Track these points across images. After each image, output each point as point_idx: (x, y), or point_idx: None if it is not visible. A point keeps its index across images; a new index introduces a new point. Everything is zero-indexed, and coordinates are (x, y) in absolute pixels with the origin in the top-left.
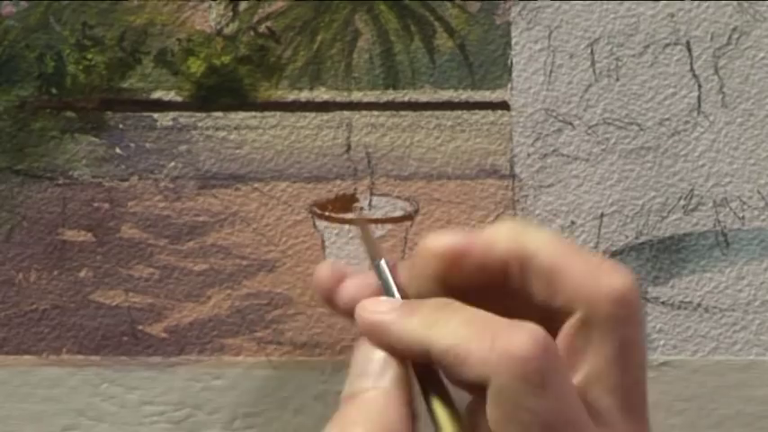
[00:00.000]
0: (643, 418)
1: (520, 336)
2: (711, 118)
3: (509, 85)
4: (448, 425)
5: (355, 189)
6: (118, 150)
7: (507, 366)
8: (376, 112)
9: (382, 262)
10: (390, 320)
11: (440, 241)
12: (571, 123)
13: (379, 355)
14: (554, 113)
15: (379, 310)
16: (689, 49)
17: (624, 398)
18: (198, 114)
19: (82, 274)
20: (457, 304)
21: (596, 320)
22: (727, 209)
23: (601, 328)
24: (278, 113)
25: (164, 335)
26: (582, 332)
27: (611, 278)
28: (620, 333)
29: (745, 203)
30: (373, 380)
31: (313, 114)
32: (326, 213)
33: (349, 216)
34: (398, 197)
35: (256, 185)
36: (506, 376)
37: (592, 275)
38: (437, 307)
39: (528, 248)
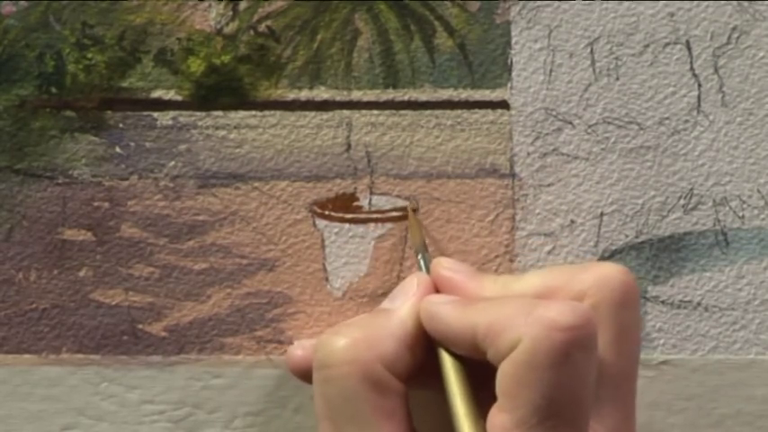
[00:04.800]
0: (631, 411)
1: (560, 306)
2: (711, 117)
3: (509, 85)
4: (467, 424)
5: (355, 188)
6: (118, 149)
7: (539, 329)
8: (376, 112)
9: (419, 257)
10: (444, 310)
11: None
12: (571, 122)
13: (405, 288)
14: (554, 113)
15: (437, 302)
16: (689, 49)
17: (615, 385)
18: (198, 113)
19: (82, 273)
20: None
21: (602, 305)
22: (727, 208)
23: (605, 311)
24: (278, 112)
25: (164, 334)
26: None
27: (613, 267)
28: (621, 317)
29: (744, 202)
30: (389, 303)
31: (313, 113)
32: (326, 212)
33: (349, 216)
34: (398, 196)
35: (256, 184)
36: (535, 338)
37: (595, 267)
38: (490, 298)
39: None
